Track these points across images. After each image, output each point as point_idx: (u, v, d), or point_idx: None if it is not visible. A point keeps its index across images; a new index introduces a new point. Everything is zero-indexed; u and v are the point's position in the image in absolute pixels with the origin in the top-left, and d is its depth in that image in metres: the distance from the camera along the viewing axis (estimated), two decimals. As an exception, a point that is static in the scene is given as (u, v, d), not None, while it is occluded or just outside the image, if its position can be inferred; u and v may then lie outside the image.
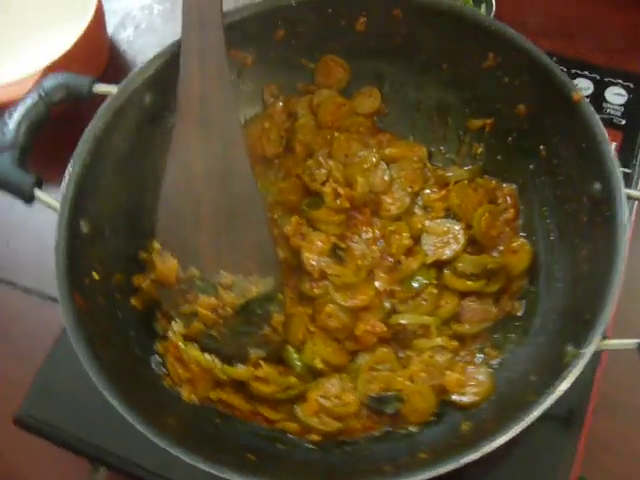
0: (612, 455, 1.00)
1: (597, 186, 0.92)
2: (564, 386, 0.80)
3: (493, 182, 1.07)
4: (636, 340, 0.82)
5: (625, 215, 0.87)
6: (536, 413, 0.80)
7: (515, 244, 1.02)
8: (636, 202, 1.06)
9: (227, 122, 1.00)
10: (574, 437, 0.96)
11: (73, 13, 1.35)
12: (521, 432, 0.80)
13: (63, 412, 1.06)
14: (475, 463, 0.79)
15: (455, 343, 0.98)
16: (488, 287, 1.01)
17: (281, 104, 1.14)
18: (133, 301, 1.01)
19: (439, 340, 0.97)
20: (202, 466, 0.80)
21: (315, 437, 0.95)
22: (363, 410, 0.96)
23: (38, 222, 1.27)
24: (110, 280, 1.00)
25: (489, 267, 1.00)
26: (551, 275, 0.99)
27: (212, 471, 0.79)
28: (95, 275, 0.97)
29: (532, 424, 0.80)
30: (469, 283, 1.00)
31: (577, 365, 0.81)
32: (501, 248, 1.03)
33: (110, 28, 1.43)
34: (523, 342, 0.98)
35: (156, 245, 0.99)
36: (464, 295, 1.01)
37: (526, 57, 0.99)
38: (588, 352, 0.81)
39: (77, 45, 1.26)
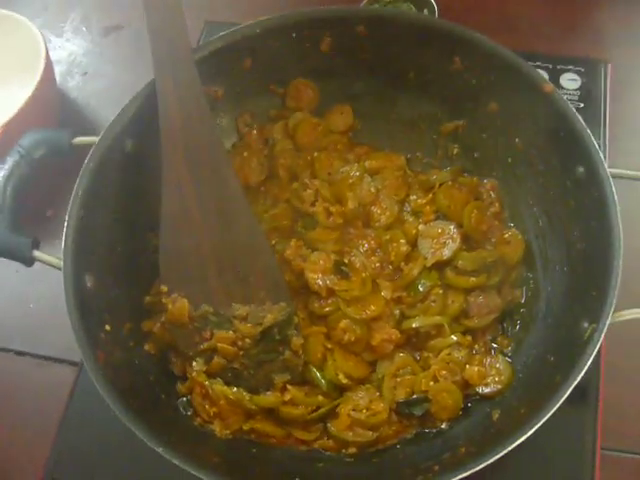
0: (628, 421, 1.05)
1: (580, 169, 0.97)
2: (589, 360, 0.85)
3: (475, 179, 1.11)
4: (650, 308, 0.88)
5: (614, 193, 0.92)
6: (566, 390, 0.84)
7: (506, 235, 1.07)
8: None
9: (215, 156, 1.01)
10: (594, 409, 1.01)
11: (22, 67, 1.33)
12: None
13: (87, 470, 1.06)
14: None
15: (469, 338, 1.02)
16: (489, 280, 1.04)
17: (256, 132, 1.16)
18: (147, 347, 1.02)
19: (454, 337, 1.01)
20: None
21: (352, 450, 0.97)
22: (392, 416, 0.99)
23: (18, 284, 1.25)
24: (121, 330, 1.00)
25: (488, 261, 1.04)
26: (547, 259, 1.04)
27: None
28: (107, 327, 0.96)
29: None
30: (472, 279, 1.03)
31: (598, 340, 0.85)
32: (493, 241, 1.07)
33: (57, 77, 1.41)
34: (531, 327, 1.02)
35: (163, 288, 0.99)
36: (468, 291, 1.05)
37: (492, 57, 1.04)
38: (605, 326, 0.86)
39: (31, 99, 1.25)
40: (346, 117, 1.18)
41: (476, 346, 1.03)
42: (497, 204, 1.10)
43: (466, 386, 0.99)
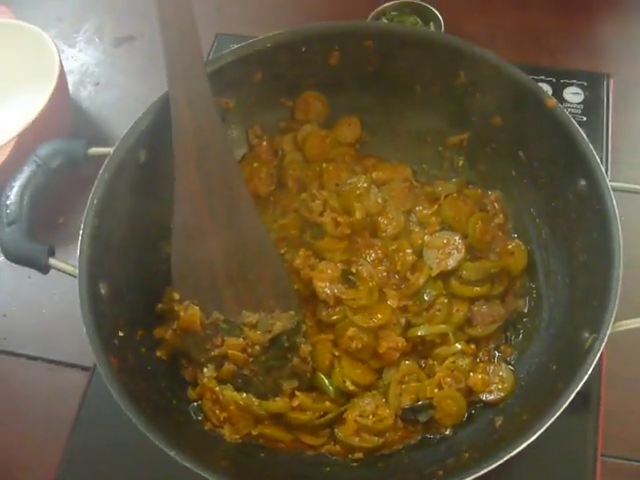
0: (628, 428, 1.07)
1: (582, 182, 0.99)
2: (589, 369, 0.87)
3: (479, 191, 1.14)
4: (649, 317, 0.90)
5: (615, 206, 0.94)
6: (568, 397, 0.86)
7: (510, 246, 1.10)
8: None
9: (226, 166, 1.04)
10: (594, 416, 1.03)
11: (36, 77, 1.36)
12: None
13: (98, 473, 1.08)
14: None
15: (473, 346, 1.04)
16: (493, 290, 1.07)
17: (266, 143, 1.19)
18: (159, 353, 1.04)
19: (458, 345, 1.03)
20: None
21: (358, 455, 0.99)
22: (398, 422, 1.01)
23: (30, 289, 1.28)
24: (134, 336, 1.02)
25: (492, 271, 1.06)
26: (549, 270, 1.07)
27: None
28: (120, 333, 0.99)
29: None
30: (476, 289, 1.06)
31: (599, 349, 0.88)
32: (497, 251, 1.10)
33: (70, 87, 1.44)
34: (534, 336, 1.05)
35: (175, 296, 1.02)
36: (472, 300, 1.07)
37: (496, 72, 1.06)
38: (605, 335, 0.88)
39: (45, 109, 1.27)
40: (354, 129, 1.20)
41: (480, 354, 1.05)
42: (501, 215, 1.12)
43: (470, 393, 1.01)
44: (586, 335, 0.91)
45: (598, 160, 0.98)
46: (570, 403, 0.91)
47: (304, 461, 1.00)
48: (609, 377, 1.07)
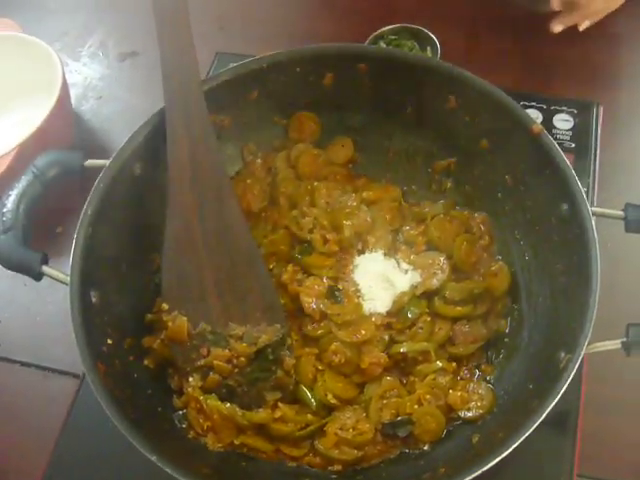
0: (605, 448, 1.08)
1: (564, 207, 1.01)
2: (562, 388, 0.89)
3: (466, 213, 1.16)
4: (618, 340, 0.92)
5: (594, 231, 0.97)
6: (541, 415, 0.88)
7: (494, 267, 1.12)
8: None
9: (219, 182, 1.06)
10: (571, 437, 1.05)
11: (40, 89, 1.39)
12: (524, 439, 0.87)
13: (84, 478, 1.10)
14: (486, 472, 0.87)
15: (454, 364, 1.06)
16: (476, 310, 1.10)
17: (260, 161, 1.22)
18: (146, 362, 1.06)
19: (439, 363, 1.05)
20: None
21: (337, 467, 1.01)
22: (377, 436, 1.03)
23: (25, 297, 1.30)
24: (122, 344, 1.05)
25: (475, 292, 1.08)
26: (531, 291, 1.09)
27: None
28: (109, 341, 1.01)
29: (534, 430, 0.88)
30: (459, 309, 1.08)
31: (573, 369, 0.90)
32: (482, 272, 1.12)
33: (72, 100, 1.48)
34: (514, 356, 1.07)
35: (164, 306, 1.04)
36: (455, 320, 1.09)
37: (485, 97, 1.09)
38: (579, 356, 0.90)
39: (47, 120, 1.30)
40: (347, 149, 1.23)
41: (460, 372, 1.07)
42: (487, 237, 1.15)
43: (449, 410, 1.03)
44: (562, 355, 0.93)
45: (580, 186, 1.00)
46: (548, 423, 0.93)
47: (285, 472, 1.01)
48: (588, 398, 1.08)
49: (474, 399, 1.03)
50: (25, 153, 1.27)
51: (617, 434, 1.09)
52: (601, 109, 1.32)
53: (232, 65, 1.14)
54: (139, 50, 1.57)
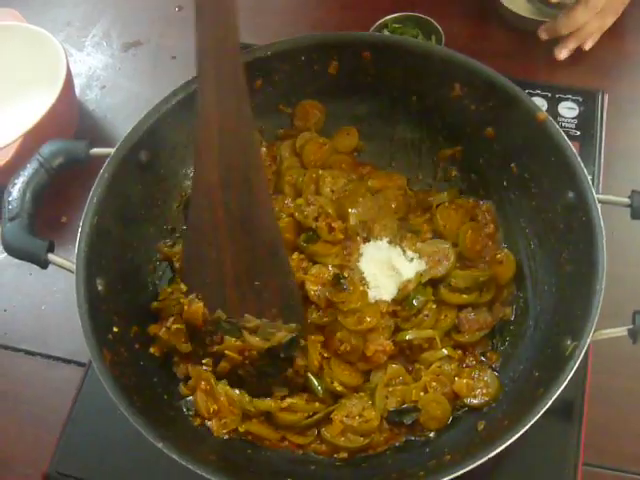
0: (610, 438, 1.09)
1: (570, 195, 1.01)
2: (568, 376, 0.89)
3: (471, 201, 1.16)
4: (625, 327, 0.92)
5: (600, 218, 0.97)
6: (547, 403, 0.88)
7: (499, 255, 1.12)
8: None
9: (249, 161, 0.97)
10: (577, 426, 1.05)
11: (44, 79, 1.39)
12: (530, 428, 0.88)
13: (89, 466, 1.10)
14: (491, 460, 0.87)
15: (459, 352, 1.06)
16: (481, 298, 1.10)
17: (265, 149, 1.22)
18: (152, 349, 1.07)
19: (444, 351, 1.05)
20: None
21: (343, 455, 1.01)
22: (383, 424, 1.03)
23: (31, 286, 1.30)
24: (128, 332, 1.05)
25: (480, 280, 1.08)
26: (536, 279, 1.09)
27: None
28: (115, 329, 1.01)
29: (539, 419, 0.88)
30: (464, 296, 1.08)
31: (579, 356, 0.90)
32: (487, 260, 1.12)
33: (77, 90, 1.48)
34: (519, 343, 1.07)
35: (182, 287, 1.04)
36: (460, 307, 1.09)
37: (490, 85, 1.09)
38: (586, 343, 0.90)
39: (51, 110, 1.30)
40: (352, 138, 1.23)
41: (466, 360, 1.07)
42: (492, 225, 1.15)
43: (455, 397, 1.04)
44: (568, 342, 0.93)
45: (586, 173, 1.00)
46: (554, 413, 0.93)
47: (290, 459, 1.02)
48: (593, 388, 1.08)
49: (479, 386, 1.03)
50: (30, 143, 1.27)
51: (622, 424, 1.09)
52: (606, 97, 1.32)
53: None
54: (142, 40, 1.57)
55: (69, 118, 1.43)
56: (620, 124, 1.31)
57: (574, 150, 1.01)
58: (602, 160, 1.26)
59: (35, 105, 1.35)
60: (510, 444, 0.87)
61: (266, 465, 1.00)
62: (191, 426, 1.02)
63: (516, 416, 0.91)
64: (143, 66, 1.54)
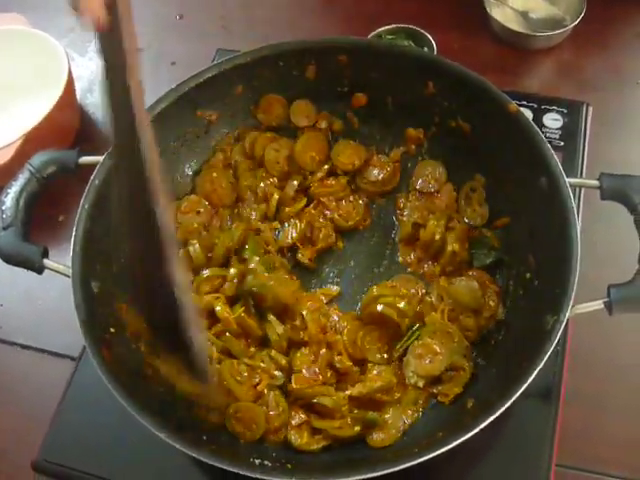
0: (583, 440, 1.10)
1: (543, 180, 1.06)
2: (550, 348, 0.93)
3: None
4: (601, 300, 0.96)
5: (572, 199, 1.01)
6: (532, 374, 0.92)
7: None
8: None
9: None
10: (551, 426, 1.06)
11: (46, 83, 1.42)
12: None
13: (77, 455, 1.12)
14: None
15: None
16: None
17: (221, 154, 1.26)
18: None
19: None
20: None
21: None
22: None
23: (27, 281, 1.30)
24: (125, 333, 1.07)
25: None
26: (518, 266, 1.13)
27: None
28: (112, 330, 1.04)
29: (514, 406, 0.91)
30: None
31: (559, 330, 0.94)
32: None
33: (78, 93, 1.51)
34: (502, 328, 1.11)
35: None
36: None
37: (462, 80, 1.13)
38: (565, 317, 0.94)
39: (52, 113, 1.33)
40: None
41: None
42: None
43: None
44: (548, 318, 0.96)
45: (556, 158, 1.04)
46: (528, 413, 1.03)
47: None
48: (570, 392, 1.10)
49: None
50: (30, 144, 1.30)
51: (597, 427, 1.11)
52: (590, 109, 1.35)
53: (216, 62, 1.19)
54: (143, 46, 1.57)
55: (70, 121, 1.46)
56: (603, 136, 1.34)
57: (543, 137, 1.06)
58: (584, 170, 1.28)
59: (37, 107, 1.37)
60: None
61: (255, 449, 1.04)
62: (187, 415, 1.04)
63: (502, 393, 0.94)
64: (143, 72, 1.55)
